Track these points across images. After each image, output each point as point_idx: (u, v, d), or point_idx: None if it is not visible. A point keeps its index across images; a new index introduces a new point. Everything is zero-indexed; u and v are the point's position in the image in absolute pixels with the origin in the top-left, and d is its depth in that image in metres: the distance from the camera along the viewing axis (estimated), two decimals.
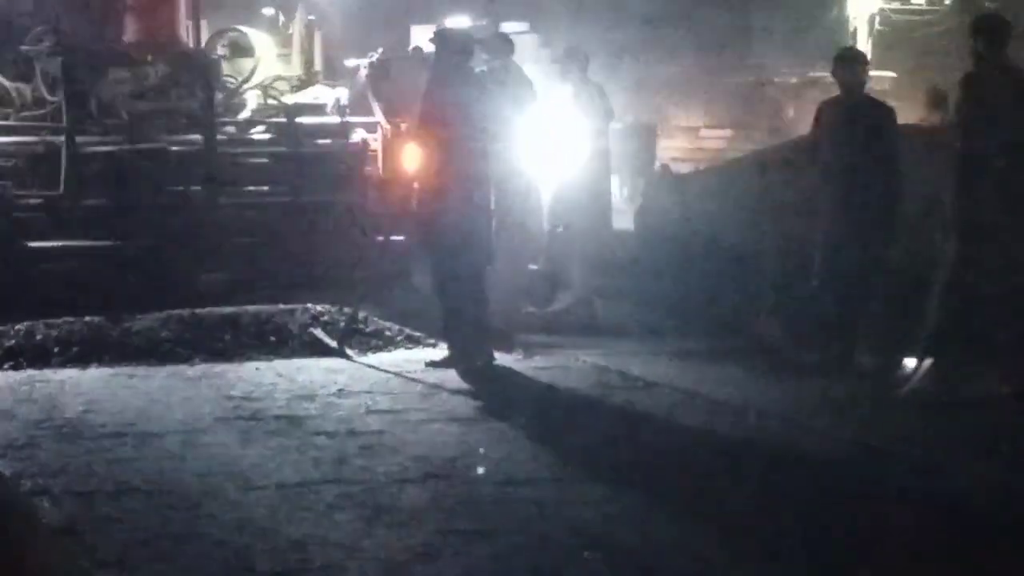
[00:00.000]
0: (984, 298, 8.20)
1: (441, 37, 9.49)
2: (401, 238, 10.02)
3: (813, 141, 9.40)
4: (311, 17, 12.51)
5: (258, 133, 11.60)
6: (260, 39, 12.16)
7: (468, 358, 8.94)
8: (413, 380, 8.52)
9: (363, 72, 11.53)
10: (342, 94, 11.75)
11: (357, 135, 11.27)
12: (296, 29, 12.42)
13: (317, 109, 11.70)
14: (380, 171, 11.02)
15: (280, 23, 12.67)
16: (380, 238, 9.82)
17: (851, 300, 9.01)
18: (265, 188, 11.30)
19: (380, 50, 11.32)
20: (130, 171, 10.51)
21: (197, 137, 10.79)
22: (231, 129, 11.44)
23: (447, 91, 9.10)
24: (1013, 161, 8.20)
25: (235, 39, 12.17)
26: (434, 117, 9.08)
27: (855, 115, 9.09)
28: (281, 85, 12.23)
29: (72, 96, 10.58)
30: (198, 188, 10.61)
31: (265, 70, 12.06)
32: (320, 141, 11.46)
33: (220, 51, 12.00)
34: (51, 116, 10.88)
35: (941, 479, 6.50)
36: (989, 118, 8.32)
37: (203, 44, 11.63)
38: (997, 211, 8.21)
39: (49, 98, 10.95)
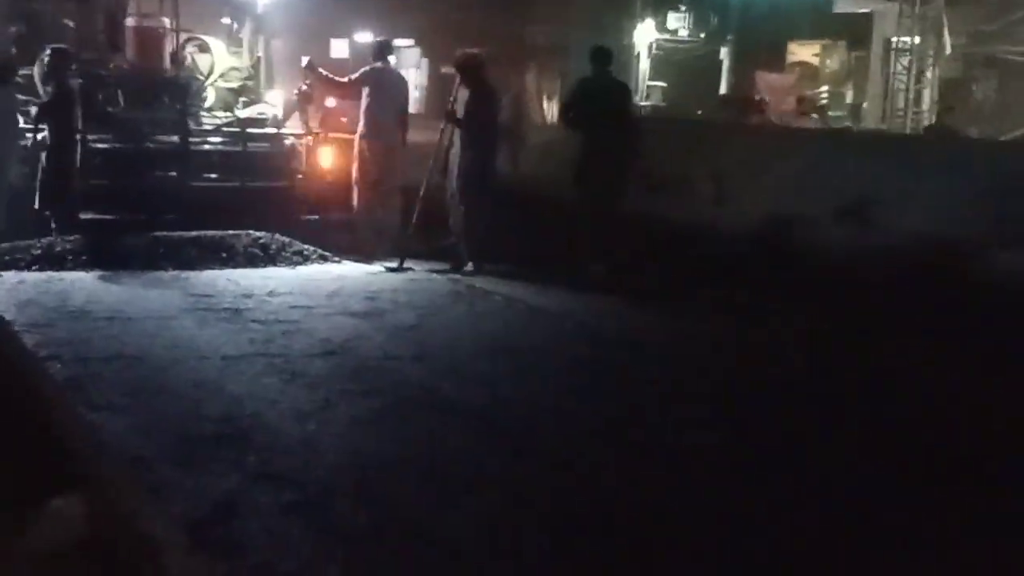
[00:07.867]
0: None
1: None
2: (316, 217, 10.03)
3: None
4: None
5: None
6: (216, 43, 12.02)
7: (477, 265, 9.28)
8: (323, 286, 8.46)
9: (294, 96, 11.23)
10: (279, 110, 11.59)
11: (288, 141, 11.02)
12: (245, 33, 12.39)
13: (261, 122, 11.43)
14: (304, 167, 10.71)
15: (233, 28, 12.59)
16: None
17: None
18: (222, 176, 10.73)
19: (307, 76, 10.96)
20: (125, 161, 10.09)
21: (175, 138, 10.36)
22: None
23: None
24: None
25: (199, 44, 11.97)
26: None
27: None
28: (234, 72, 12.05)
29: (86, 108, 10.05)
30: (174, 174, 10.24)
31: (221, 63, 11.90)
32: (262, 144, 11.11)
33: (188, 52, 11.75)
34: None
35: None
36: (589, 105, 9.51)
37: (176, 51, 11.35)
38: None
39: None
